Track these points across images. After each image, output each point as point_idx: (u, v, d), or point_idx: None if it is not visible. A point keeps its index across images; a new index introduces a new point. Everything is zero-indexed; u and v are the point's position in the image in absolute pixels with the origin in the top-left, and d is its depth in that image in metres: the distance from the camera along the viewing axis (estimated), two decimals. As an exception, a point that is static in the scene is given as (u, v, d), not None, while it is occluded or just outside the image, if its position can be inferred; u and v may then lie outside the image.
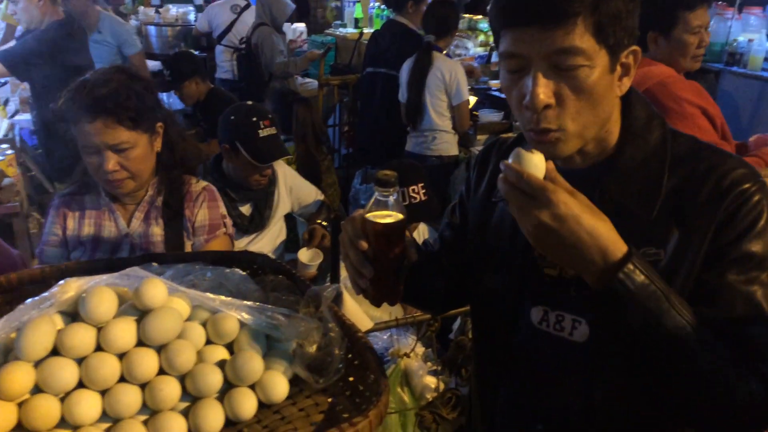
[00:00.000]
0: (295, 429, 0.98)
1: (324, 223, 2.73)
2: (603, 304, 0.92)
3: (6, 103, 4.63)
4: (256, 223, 2.62)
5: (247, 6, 5.63)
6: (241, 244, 2.54)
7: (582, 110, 0.95)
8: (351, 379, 1.05)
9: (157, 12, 6.87)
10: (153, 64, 5.49)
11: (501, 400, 1.21)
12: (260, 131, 2.49)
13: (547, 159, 0.92)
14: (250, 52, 5.13)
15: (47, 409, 0.92)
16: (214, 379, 1.00)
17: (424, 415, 1.89)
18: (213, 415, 0.97)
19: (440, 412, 1.89)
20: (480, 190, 1.24)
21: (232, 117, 2.55)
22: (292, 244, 2.92)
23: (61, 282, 1.04)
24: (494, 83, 4.92)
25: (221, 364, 1.03)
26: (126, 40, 4.50)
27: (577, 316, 1.07)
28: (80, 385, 0.96)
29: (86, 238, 1.78)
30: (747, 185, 0.97)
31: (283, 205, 2.73)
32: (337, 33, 6.61)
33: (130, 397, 0.96)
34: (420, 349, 2.08)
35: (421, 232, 2.85)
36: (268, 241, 2.67)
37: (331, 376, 1.03)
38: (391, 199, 1.02)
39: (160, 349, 1.01)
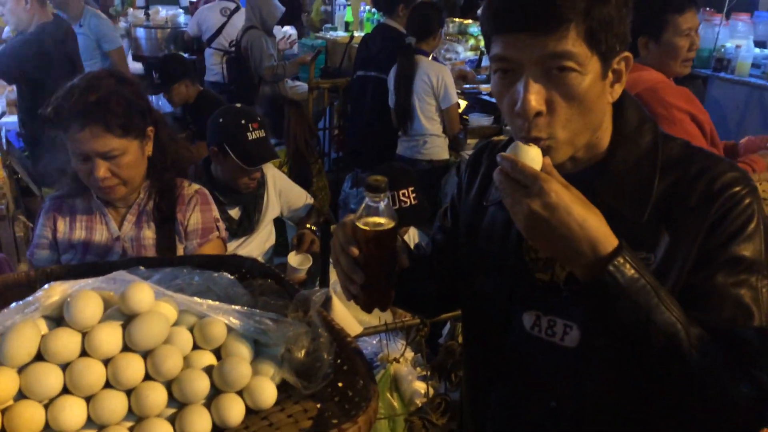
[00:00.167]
0: (283, 435, 0.97)
1: (313, 228, 2.72)
2: (592, 297, 0.92)
3: (-8, 105, 4.61)
4: (245, 227, 2.61)
5: (237, 9, 5.61)
6: (230, 247, 2.52)
7: (573, 118, 0.95)
8: (340, 384, 1.04)
9: (146, 14, 6.84)
10: (138, 68, 5.46)
11: (492, 404, 1.21)
12: (249, 134, 2.48)
13: None
14: (239, 55, 5.12)
15: (31, 415, 0.90)
16: (201, 385, 0.98)
17: (414, 420, 1.88)
18: (200, 421, 0.95)
19: (430, 418, 1.89)
20: (471, 193, 1.24)
21: (221, 120, 2.54)
22: (281, 247, 2.91)
23: (46, 286, 1.02)
24: (484, 87, 4.93)
25: (208, 370, 1.01)
26: (105, 35, 4.46)
27: (568, 321, 1.06)
28: (65, 391, 0.94)
29: (77, 242, 1.76)
30: (737, 188, 0.97)
31: (272, 208, 2.72)
32: (328, 36, 6.61)
33: (115, 404, 0.94)
34: (409, 354, 2.07)
35: (412, 237, 2.85)
36: (257, 245, 2.66)
37: (319, 381, 1.02)
38: (382, 204, 1.02)
39: (147, 354, 0.99)
